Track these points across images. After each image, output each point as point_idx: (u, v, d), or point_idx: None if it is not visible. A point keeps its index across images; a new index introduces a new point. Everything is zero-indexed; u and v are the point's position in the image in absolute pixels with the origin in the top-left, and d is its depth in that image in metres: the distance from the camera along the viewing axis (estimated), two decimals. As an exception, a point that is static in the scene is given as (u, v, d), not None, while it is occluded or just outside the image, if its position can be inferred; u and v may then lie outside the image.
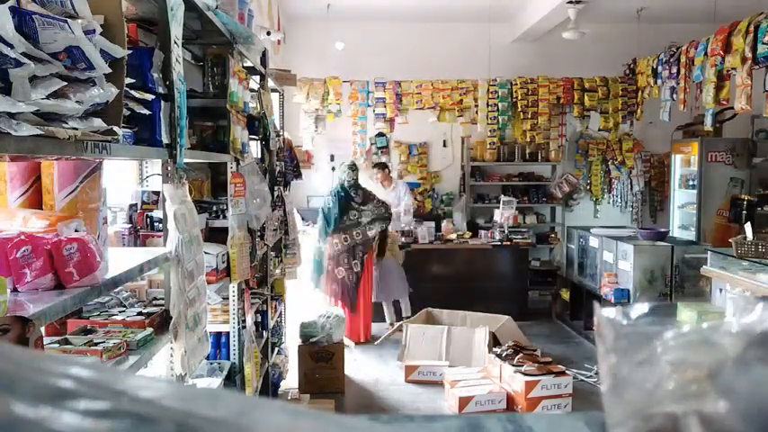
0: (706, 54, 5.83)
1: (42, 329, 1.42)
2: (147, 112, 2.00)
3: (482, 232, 7.80)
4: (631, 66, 7.83)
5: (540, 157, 8.82)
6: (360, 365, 5.89)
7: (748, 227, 4.86)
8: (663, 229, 7.00)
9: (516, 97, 7.74)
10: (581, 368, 5.64)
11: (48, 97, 1.30)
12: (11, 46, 1.20)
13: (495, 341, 5.54)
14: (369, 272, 6.69)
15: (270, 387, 4.46)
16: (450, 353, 5.61)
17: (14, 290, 1.50)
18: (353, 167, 6.85)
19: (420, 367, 5.49)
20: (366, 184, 8.78)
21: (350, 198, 6.69)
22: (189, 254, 2.27)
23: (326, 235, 6.62)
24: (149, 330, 2.05)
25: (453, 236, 7.61)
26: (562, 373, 4.87)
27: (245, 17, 3.49)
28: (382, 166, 7.76)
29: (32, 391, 0.32)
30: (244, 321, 3.45)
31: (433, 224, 7.64)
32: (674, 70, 6.64)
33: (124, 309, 2.31)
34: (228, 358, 3.39)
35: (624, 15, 8.01)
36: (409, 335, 5.79)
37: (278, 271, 4.96)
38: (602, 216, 9.08)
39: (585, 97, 7.73)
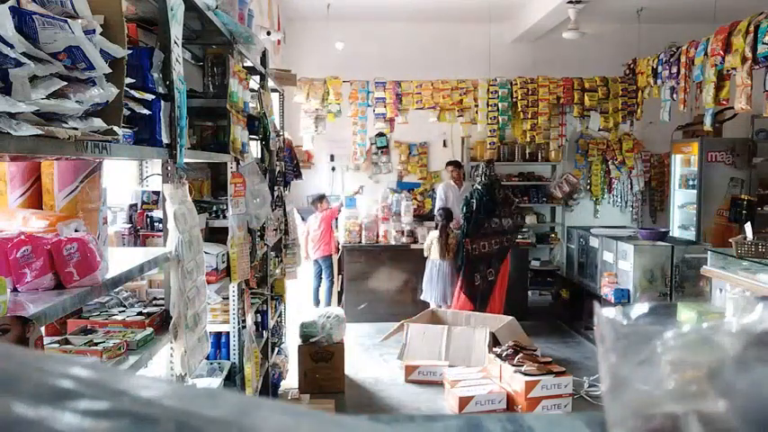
0: (706, 54, 5.83)
1: (42, 329, 1.42)
2: (147, 112, 2.00)
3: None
4: (631, 66, 7.83)
5: (540, 157, 8.82)
6: (360, 365, 5.89)
7: (748, 227, 4.86)
8: (663, 229, 6.99)
9: (516, 97, 7.74)
10: (581, 368, 5.64)
11: (48, 97, 1.30)
12: (11, 46, 1.20)
13: (495, 341, 5.54)
14: (503, 281, 6.64)
15: (270, 387, 4.46)
16: (451, 352, 5.61)
17: (14, 290, 1.50)
18: (491, 163, 6.82)
19: (420, 367, 5.49)
20: (360, 184, 8.82)
21: (492, 201, 6.57)
22: (189, 254, 2.27)
23: (465, 236, 6.54)
24: (149, 330, 2.05)
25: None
26: (562, 373, 4.87)
27: (245, 17, 3.49)
28: (458, 165, 7.65)
29: (32, 391, 0.32)
30: (244, 321, 3.45)
31: (433, 224, 7.64)
32: (674, 70, 6.63)
33: (124, 309, 2.31)
34: (228, 358, 3.39)
35: (624, 15, 8.01)
36: (410, 334, 5.79)
37: (278, 271, 4.96)
38: (602, 216, 9.08)
39: (585, 97, 7.73)
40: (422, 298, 6.83)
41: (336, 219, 7.56)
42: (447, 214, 6.77)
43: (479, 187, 6.54)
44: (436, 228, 6.81)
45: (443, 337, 5.67)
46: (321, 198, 7.54)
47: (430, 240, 6.70)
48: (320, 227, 7.33)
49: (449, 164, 7.78)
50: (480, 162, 7.01)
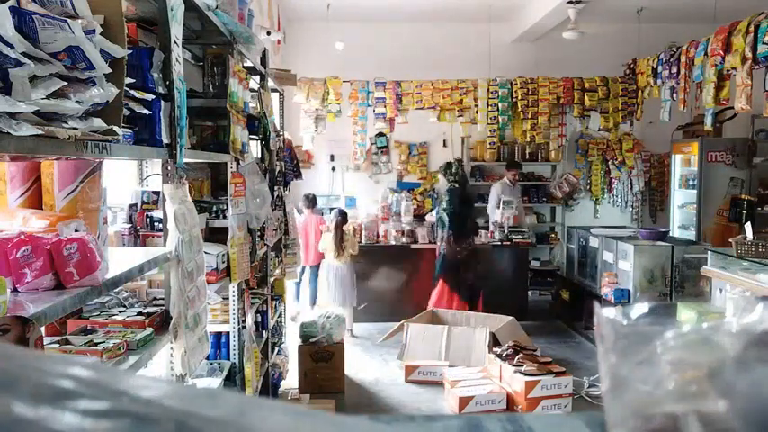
0: (706, 54, 5.83)
1: (42, 329, 1.42)
2: (147, 112, 2.00)
3: (482, 232, 7.80)
4: (631, 66, 7.83)
5: (540, 157, 8.82)
6: (360, 365, 5.89)
7: (748, 227, 4.86)
8: (663, 229, 6.99)
9: (516, 97, 7.74)
10: (581, 368, 5.64)
11: (48, 97, 1.30)
12: (11, 46, 1.20)
13: (495, 341, 5.54)
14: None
15: (270, 387, 4.46)
16: (451, 352, 5.61)
17: (14, 290, 1.50)
18: (460, 161, 6.90)
19: (420, 367, 5.49)
20: (360, 184, 8.82)
21: (468, 198, 6.69)
22: (189, 254, 2.27)
23: (447, 240, 6.52)
24: (149, 330, 2.05)
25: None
26: (562, 373, 4.87)
27: (245, 17, 3.49)
28: (519, 166, 7.41)
29: (32, 391, 0.32)
30: (244, 321, 3.45)
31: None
32: (674, 70, 6.63)
33: (124, 309, 2.31)
34: (228, 358, 3.39)
35: (624, 15, 8.01)
36: (410, 334, 5.79)
37: (278, 271, 4.96)
38: (602, 216, 9.08)
39: (585, 97, 7.73)
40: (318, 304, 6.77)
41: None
42: (343, 214, 6.77)
43: (456, 185, 6.55)
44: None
45: (443, 338, 5.67)
46: (314, 201, 7.22)
47: (327, 242, 6.65)
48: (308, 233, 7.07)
49: (511, 167, 7.73)
50: (453, 161, 6.95)
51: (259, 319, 4.18)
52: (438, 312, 6.40)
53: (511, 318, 6.05)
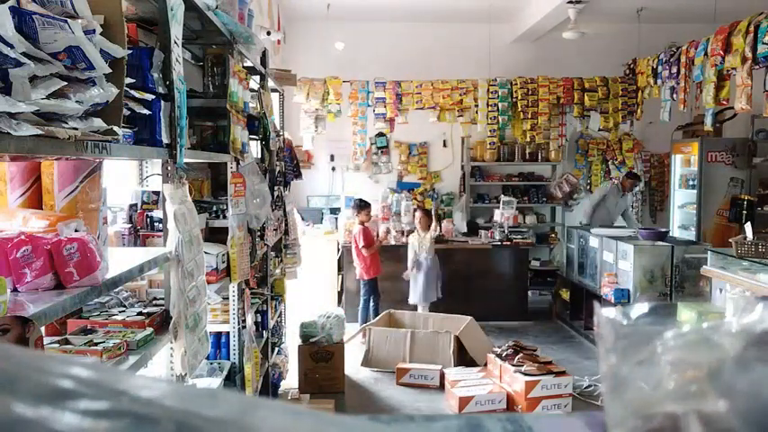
0: (706, 54, 5.83)
1: (42, 329, 1.42)
2: (147, 112, 2.00)
3: (482, 232, 7.80)
4: (631, 66, 7.83)
5: (540, 157, 8.82)
6: (360, 365, 5.88)
7: (748, 227, 4.86)
8: (663, 229, 6.99)
9: (516, 97, 7.74)
10: (581, 368, 5.64)
11: (48, 97, 1.30)
12: (11, 46, 1.20)
13: (459, 344, 5.59)
14: None
15: (270, 387, 4.46)
16: (415, 356, 5.62)
17: (14, 290, 1.50)
18: None
19: (411, 370, 5.46)
20: (360, 184, 8.81)
21: None
22: (189, 254, 2.27)
23: None
24: (149, 330, 2.05)
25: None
26: (562, 373, 4.87)
27: (245, 17, 3.49)
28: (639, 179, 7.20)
29: (32, 391, 0.32)
30: (244, 321, 3.45)
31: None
32: (674, 70, 6.63)
33: (124, 309, 2.31)
34: (228, 358, 3.39)
35: (624, 15, 8.01)
36: (373, 339, 5.79)
37: (278, 271, 4.96)
38: (602, 216, 9.07)
39: (585, 97, 7.73)
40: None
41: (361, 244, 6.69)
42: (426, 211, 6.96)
43: None
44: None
45: (407, 342, 5.68)
46: (362, 206, 6.78)
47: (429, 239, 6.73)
48: (354, 242, 6.78)
49: (630, 177, 7.67)
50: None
51: (259, 319, 4.18)
52: (395, 314, 6.39)
53: (470, 318, 6.06)
